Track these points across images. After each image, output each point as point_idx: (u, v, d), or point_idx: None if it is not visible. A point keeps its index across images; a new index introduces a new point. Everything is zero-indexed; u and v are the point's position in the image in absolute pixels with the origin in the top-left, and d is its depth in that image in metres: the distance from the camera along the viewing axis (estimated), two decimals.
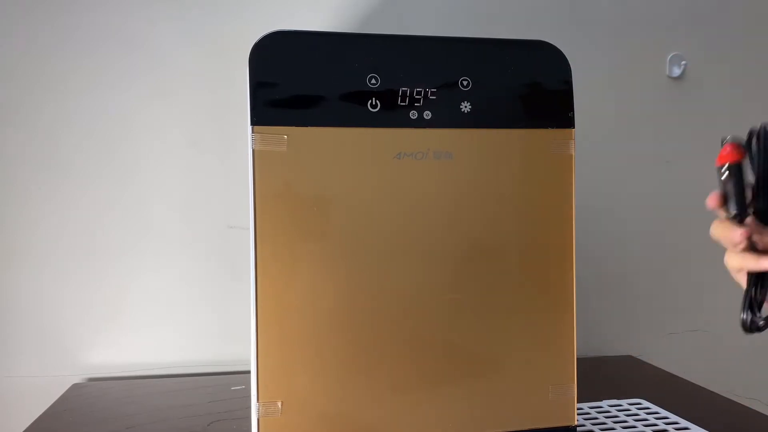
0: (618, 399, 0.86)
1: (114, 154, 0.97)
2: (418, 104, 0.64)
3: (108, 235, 0.97)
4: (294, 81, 0.62)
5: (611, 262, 1.12)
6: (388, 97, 0.64)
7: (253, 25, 0.99)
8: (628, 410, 0.83)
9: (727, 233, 0.52)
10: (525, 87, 0.67)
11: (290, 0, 1.00)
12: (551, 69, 0.68)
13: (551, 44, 0.69)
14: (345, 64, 0.64)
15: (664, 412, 0.82)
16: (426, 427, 0.65)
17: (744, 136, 0.53)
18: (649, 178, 1.13)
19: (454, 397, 0.65)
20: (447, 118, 0.65)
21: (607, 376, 1.01)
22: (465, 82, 0.66)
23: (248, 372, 0.62)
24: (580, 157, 0.70)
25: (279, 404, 0.61)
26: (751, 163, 0.53)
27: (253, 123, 0.61)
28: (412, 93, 0.64)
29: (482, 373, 0.66)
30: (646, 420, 0.79)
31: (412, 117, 0.64)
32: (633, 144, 1.12)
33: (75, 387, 0.93)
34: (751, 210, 0.52)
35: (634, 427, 0.77)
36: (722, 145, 0.53)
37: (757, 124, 0.53)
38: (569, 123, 0.68)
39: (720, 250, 0.55)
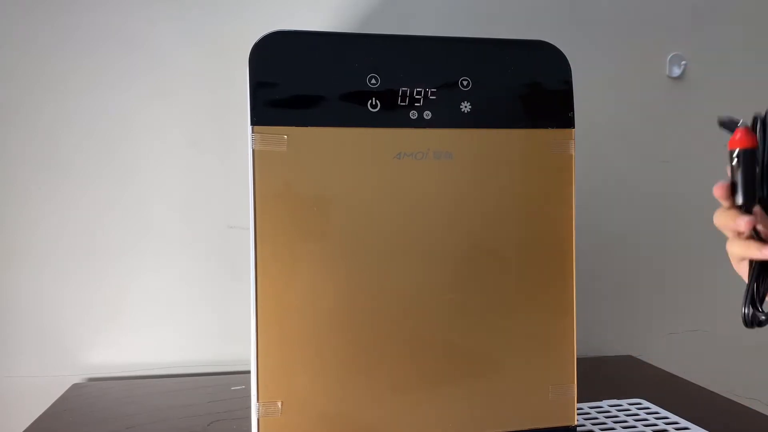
0: (618, 399, 0.86)
1: (114, 154, 0.97)
2: (418, 104, 0.64)
3: (108, 235, 0.97)
4: (294, 81, 0.62)
5: (611, 262, 1.12)
6: (388, 97, 0.64)
7: (253, 25, 0.99)
8: (628, 410, 0.83)
9: (732, 222, 0.51)
10: (525, 87, 0.67)
11: (290, 0, 1.00)
12: (551, 69, 0.68)
13: (551, 44, 0.69)
14: (345, 64, 0.64)
15: (664, 412, 0.82)
16: (426, 427, 0.65)
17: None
18: (648, 178, 1.13)
19: (454, 397, 0.65)
20: (447, 118, 0.65)
21: (607, 376, 1.01)
22: (465, 82, 0.66)
23: (248, 372, 0.62)
24: (580, 157, 0.70)
25: (279, 404, 0.61)
26: (758, 149, 0.51)
27: (253, 123, 0.61)
28: (412, 93, 0.64)
29: (482, 373, 0.66)
30: (646, 420, 0.79)
31: (412, 117, 0.64)
32: (633, 144, 1.12)
33: (75, 387, 0.93)
34: (757, 198, 0.52)
35: (634, 427, 0.77)
36: (723, 127, 0.53)
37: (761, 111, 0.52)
38: (569, 123, 0.68)
39: (720, 249, 0.55)
